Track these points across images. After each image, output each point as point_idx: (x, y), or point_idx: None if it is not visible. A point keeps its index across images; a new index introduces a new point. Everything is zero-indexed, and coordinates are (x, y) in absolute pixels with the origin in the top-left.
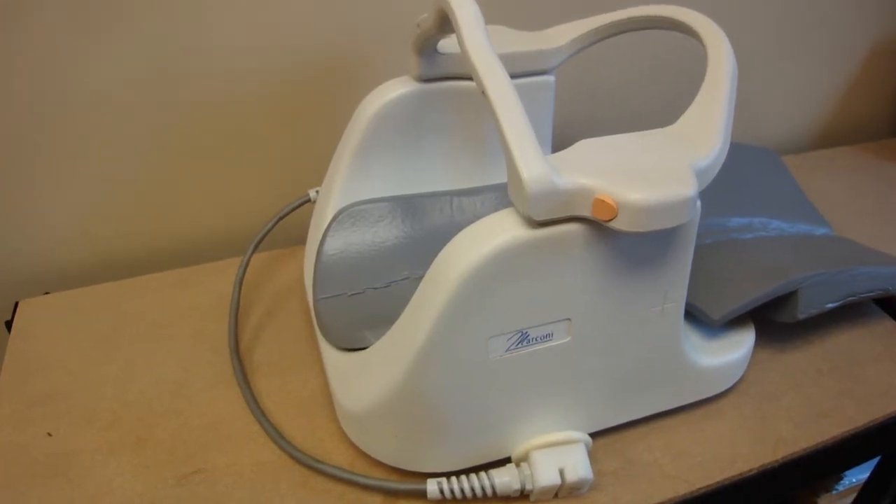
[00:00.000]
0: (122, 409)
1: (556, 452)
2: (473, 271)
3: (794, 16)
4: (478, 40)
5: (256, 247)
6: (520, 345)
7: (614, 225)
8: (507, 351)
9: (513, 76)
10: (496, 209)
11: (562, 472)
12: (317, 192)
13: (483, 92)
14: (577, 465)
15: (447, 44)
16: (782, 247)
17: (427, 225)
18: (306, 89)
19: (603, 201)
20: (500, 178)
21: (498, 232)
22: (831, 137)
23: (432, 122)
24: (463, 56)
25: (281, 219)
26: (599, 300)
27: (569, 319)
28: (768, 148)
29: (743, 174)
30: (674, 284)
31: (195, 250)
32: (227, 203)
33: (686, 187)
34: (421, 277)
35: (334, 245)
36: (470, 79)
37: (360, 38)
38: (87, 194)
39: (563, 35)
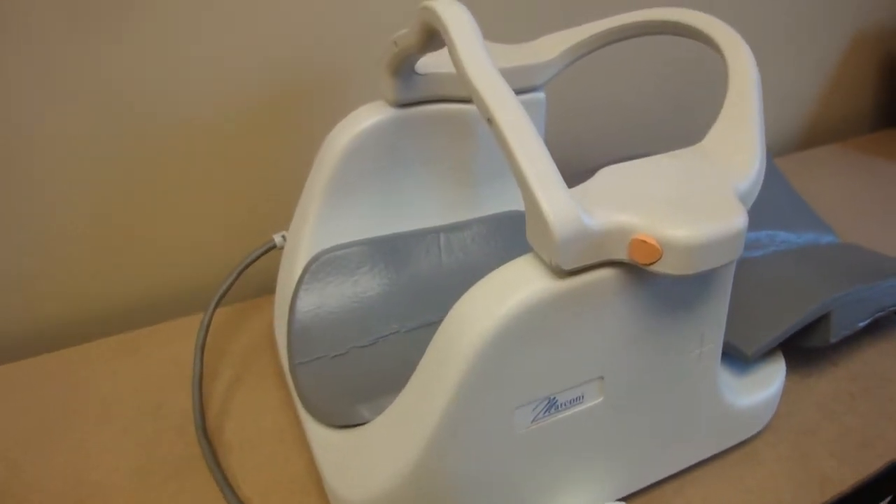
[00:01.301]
0: None
1: None
2: (494, 336)
3: (769, 16)
4: (478, 58)
5: (218, 303)
6: (547, 413)
7: (656, 269)
8: (533, 422)
9: None
10: (487, 244)
11: None
12: (283, 236)
13: (489, 119)
14: None
15: (426, 63)
16: (800, 263)
17: (413, 269)
18: (268, 120)
19: (644, 242)
20: (490, 208)
21: (519, 286)
22: (814, 137)
23: (412, 151)
24: (461, 77)
25: (243, 270)
26: (633, 352)
27: (601, 378)
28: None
29: None
30: (712, 325)
31: (149, 309)
32: (183, 253)
33: (736, 217)
34: (411, 330)
35: (309, 300)
36: (453, 100)
37: (327, 62)
38: (22, 248)
39: (552, 47)
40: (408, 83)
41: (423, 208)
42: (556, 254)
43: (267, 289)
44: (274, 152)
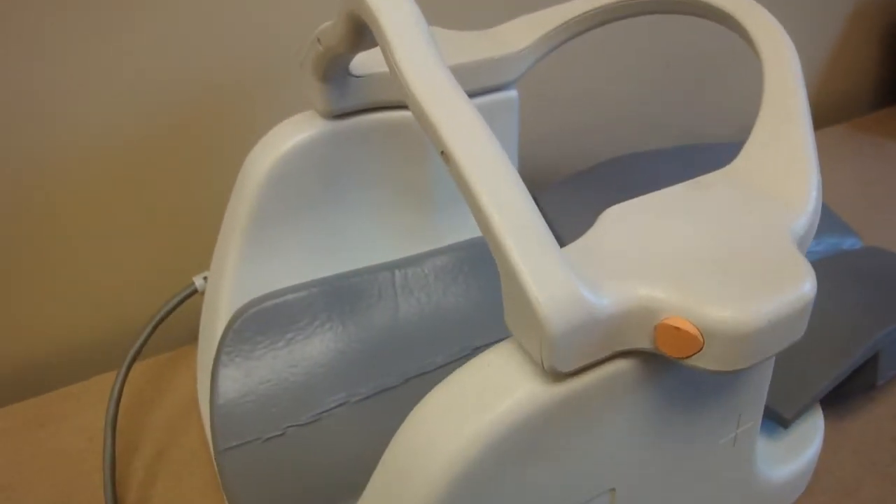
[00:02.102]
0: None
1: None
2: (467, 466)
3: None
4: (423, 64)
5: (132, 363)
6: None
7: (694, 363)
8: None
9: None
10: (452, 281)
11: None
12: (204, 278)
13: (442, 152)
14: None
15: (363, 62)
16: (833, 285)
17: (363, 319)
18: (180, 144)
19: (677, 329)
20: (451, 236)
21: (499, 394)
22: (814, 119)
23: (352, 171)
24: (402, 92)
25: (158, 324)
26: (653, 454)
27: (612, 490)
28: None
29: None
30: (752, 403)
31: (51, 371)
32: (88, 302)
33: (802, 280)
34: (364, 399)
35: (234, 369)
36: (400, 107)
37: (243, 68)
38: None
39: (524, 33)
40: (342, 88)
41: (370, 242)
42: (549, 353)
43: (192, 335)
44: (189, 180)
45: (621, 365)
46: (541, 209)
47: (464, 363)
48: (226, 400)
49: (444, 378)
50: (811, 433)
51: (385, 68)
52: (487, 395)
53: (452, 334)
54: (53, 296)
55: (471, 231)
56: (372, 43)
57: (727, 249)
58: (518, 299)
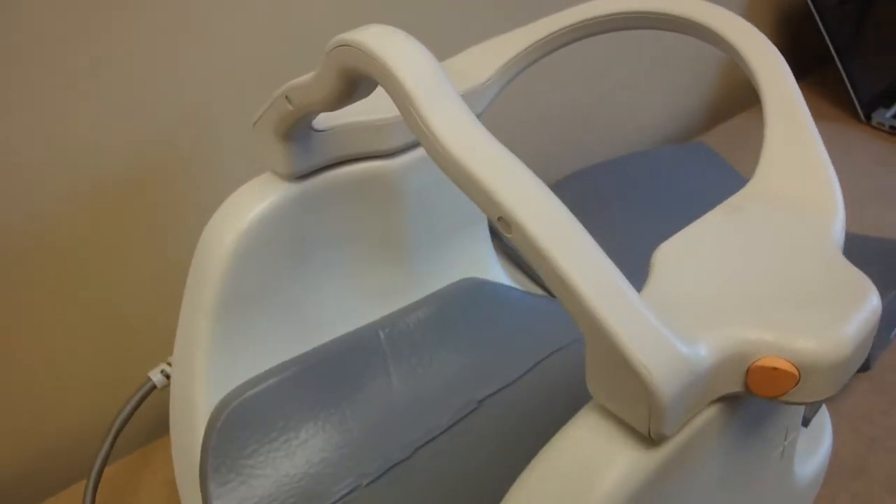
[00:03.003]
0: None
1: None
2: None
3: None
4: (458, 124)
5: (97, 482)
6: None
7: (789, 398)
8: None
9: None
10: (441, 333)
11: None
12: (163, 372)
13: (499, 218)
14: None
15: (325, 114)
16: None
17: (357, 394)
18: (119, 222)
19: (775, 369)
20: (430, 283)
21: (602, 473)
22: (723, 110)
23: (322, 232)
24: (438, 157)
25: (119, 432)
26: (728, 488)
27: None
28: (700, 142)
29: (700, 191)
30: (796, 415)
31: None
32: (29, 416)
33: (867, 292)
34: (375, 480)
35: (227, 481)
36: (365, 157)
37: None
38: None
39: (485, 63)
40: (305, 146)
41: (347, 305)
42: (659, 420)
43: (153, 429)
44: (125, 262)
45: (709, 413)
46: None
47: (471, 419)
48: None
49: (455, 440)
50: (823, 424)
51: (349, 118)
52: (590, 476)
53: (453, 391)
54: None
55: (443, 277)
56: (361, 97)
57: (790, 276)
58: (615, 368)
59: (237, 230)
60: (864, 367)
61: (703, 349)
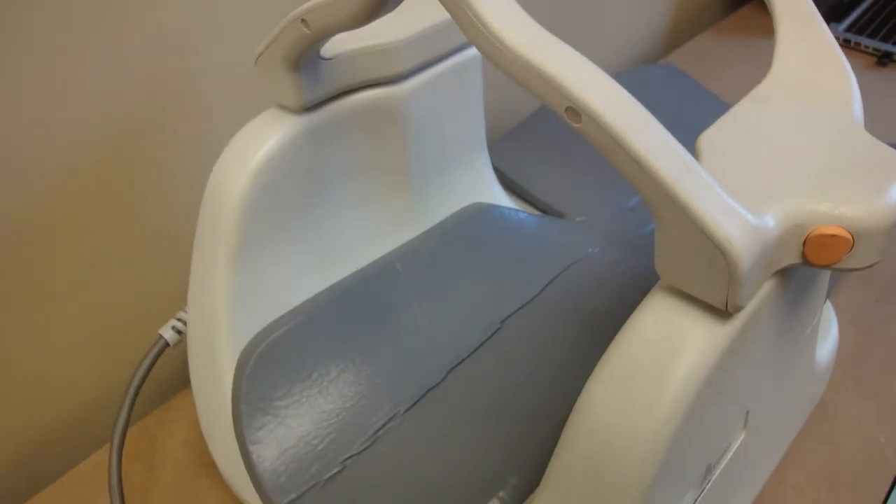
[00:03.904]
0: None
1: None
2: (672, 437)
3: None
4: (517, 19)
5: (121, 450)
6: (703, 484)
7: (842, 265)
8: (694, 500)
9: (436, 59)
10: (456, 258)
11: None
12: (175, 329)
13: (567, 108)
14: None
15: (331, 42)
16: None
17: (382, 325)
18: (117, 174)
19: (833, 236)
20: (437, 213)
21: (681, 351)
22: (683, 30)
23: (332, 165)
24: (498, 54)
25: (136, 394)
26: (773, 363)
27: (747, 412)
28: (668, 63)
29: (676, 110)
30: (823, 294)
31: (11, 484)
32: (35, 387)
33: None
34: (413, 406)
35: (264, 424)
36: (372, 84)
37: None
38: None
39: None
40: (314, 76)
41: (361, 239)
42: (737, 290)
43: (165, 393)
44: (130, 217)
45: (768, 286)
46: (494, 161)
47: (497, 339)
48: (265, 457)
49: (485, 360)
50: (829, 316)
51: (357, 44)
52: (671, 354)
53: (474, 314)
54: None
55: (450, 204)
56: (391, 8)
57: (828, 153)
58: (694, 244)
59: (249, 168)
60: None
61: (770, 220)
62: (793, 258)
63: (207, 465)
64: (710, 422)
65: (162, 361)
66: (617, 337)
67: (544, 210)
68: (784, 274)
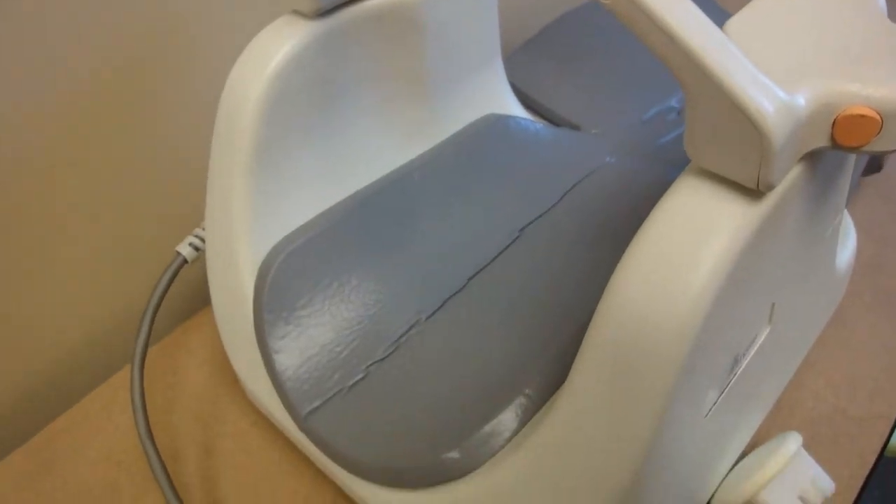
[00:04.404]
0: None
1: (785, 480)
2: (700, 320)
3: None
4: None
5: (142, 366)
6: (730, 376)
7: (871, 147)
8: (718, 394)
9: None
10: (474, 169)
11: (804, 499)
12: (192, 245)
13: None
14: (817, 481)
15: None
16: None
17: (402, 234)
18: (123, 93)
19: (862, 117)
20: (454, 123)
21: (712, 233)
22: None
23: (349, 73)
24: None
25: (156, 312)
26: (798, 257)
27: (773, 304)
28: None
29: None
30: (844, 191)
31: (35, 406)
32: (53, 312)
33: None
34: (436, 312)
35: (286, 333)
36: None
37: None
38: None
39: None
40: None
41: (378, 148)
42: (769, 167)
43: (182, 313)
44: (143, 138)
45: (797, 170)
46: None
47: (516, 247)
48: (288, 365)
49: (505, 268)
50: (847, 224)
51: None
52: (702, 234)
53: (493, 223)
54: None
55: (466, 115)
56: None
57: (855, 38)
58: (726, 120)
59: (266, 72)
60: (876, 168)
61: (800, 99)
62: (822, 141)
63: (228, 382)
64: (739, 308)
65: (180, 281)
66: (647, 220)
67: (559, 123)
68: (812, 160)
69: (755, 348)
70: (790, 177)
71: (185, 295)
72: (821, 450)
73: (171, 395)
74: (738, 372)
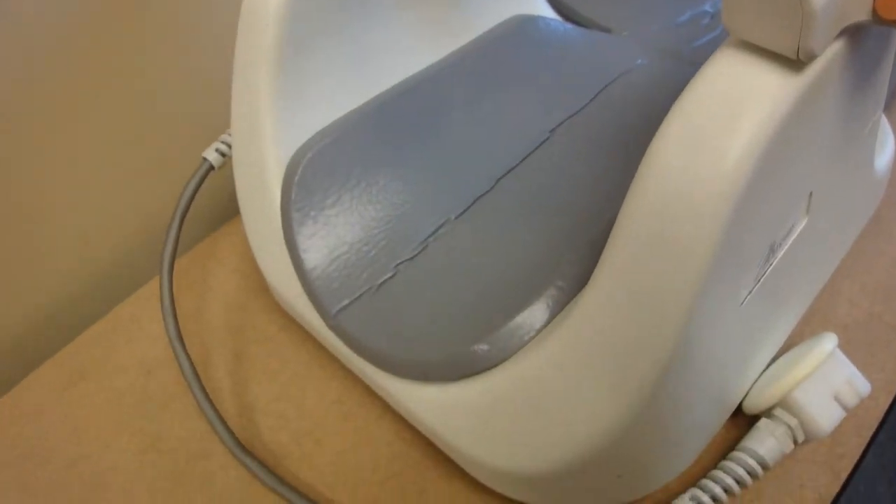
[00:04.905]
0: None
1: (820, 379)
2: (741, 189)
3: None
4: None
5: (171, 271)
6: (766, 265)
7: None
8: (754, 282)
9: None
10: (502, 67)
11: (838, 400)
12: (218, 151)
13: None
14: (853, 381)
15: None
16: None
17: (432, 134)
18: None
19: None
20: (481, 23)
21: (752, 102)
22: None
23: None
24: None
25: (184, 217)
26: (837, 148)
27: (811, 193)
28: None
29: None
30: (884, 90)
31: (66, 316)
32: (80, 226)
33: None
34: (466, 212)
35: (314, 230)
36: None
37: None
38: None
39: None
40: None
41: (405, 49)
42: (809, 32)
43: (210, 224)
44: (166, 48)
45: (836, 46)
46: None
47: (545, 148)
48: (317, 264)
49: (534, 169)
50: (886, 129)
51: None
52: (741, 104)
53: (522, 124)
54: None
55: (494, 16)
56: None
57: None
58: None
59: None
60: None
61: None
62: (863, 14)
63: (257, 289)
64: (776, 187)
65: (209, 192)
66: (685, 91)
67: (588, 26)
68: (852, 39)
69: (792, 238)
70: (830, 52)
71: (214, 207)
72: (855, 355)
73: (200, 303)
74: (775, 262)
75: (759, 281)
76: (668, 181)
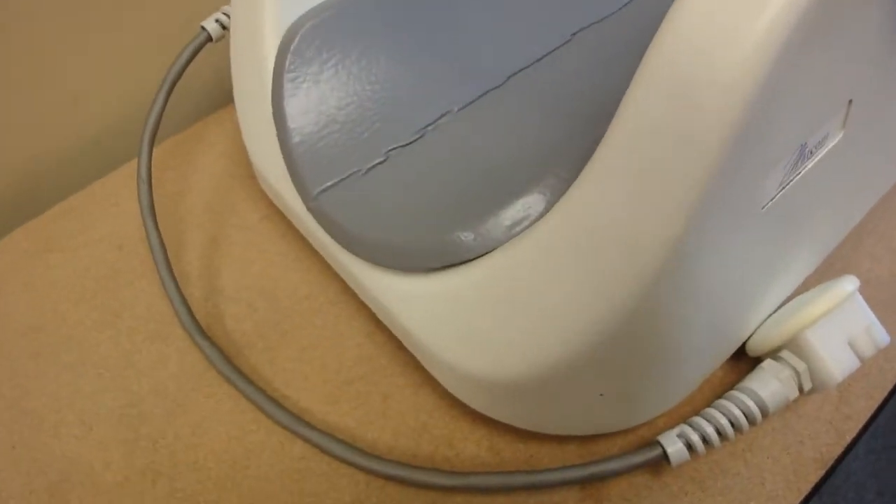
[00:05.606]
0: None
1: (835, 320)
2: (766, 66)
3: None
4: None
5: (152, 140)
6: (794, 171)
7: None
8: (779, 187)
9: None
10: None
11: (853, 347)
12: (218, 21)
13: None
14: (872, 330)
15: None
16: None
17: (446, 17)
18: None
19: None
20: None
21: None
22: None
23: None
24: None
25: (172, 86)
26: (880, 66)
27: (849, 102)
28: None
29: None
30: None
31: (43, 185)
32: (70, 92)
33: None
34: (469, 105)
35: (305, 101)
36: None
37: None
38: None
39: None
40: None
41: None
42: None
43: (214, 100)
44: None
45: None
46: None
47: (564, 50)
48: (303, 136)
49: (548, 70)
50: None
51: None
52: None
53: (543, 24)
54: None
55: None
56: None
57: None
58: None
59: None
60: None
61: None
62: None
63: (244, 176)
64: (812, 72)
65: (205, 75)
66: None
67: None
68: None
69: (825, 150)
70: None
71: (211, 91)
72: (874, 312)
73: (182, 184)
74: (804, 172)
75: (784, 187)
76: (687, 47)
